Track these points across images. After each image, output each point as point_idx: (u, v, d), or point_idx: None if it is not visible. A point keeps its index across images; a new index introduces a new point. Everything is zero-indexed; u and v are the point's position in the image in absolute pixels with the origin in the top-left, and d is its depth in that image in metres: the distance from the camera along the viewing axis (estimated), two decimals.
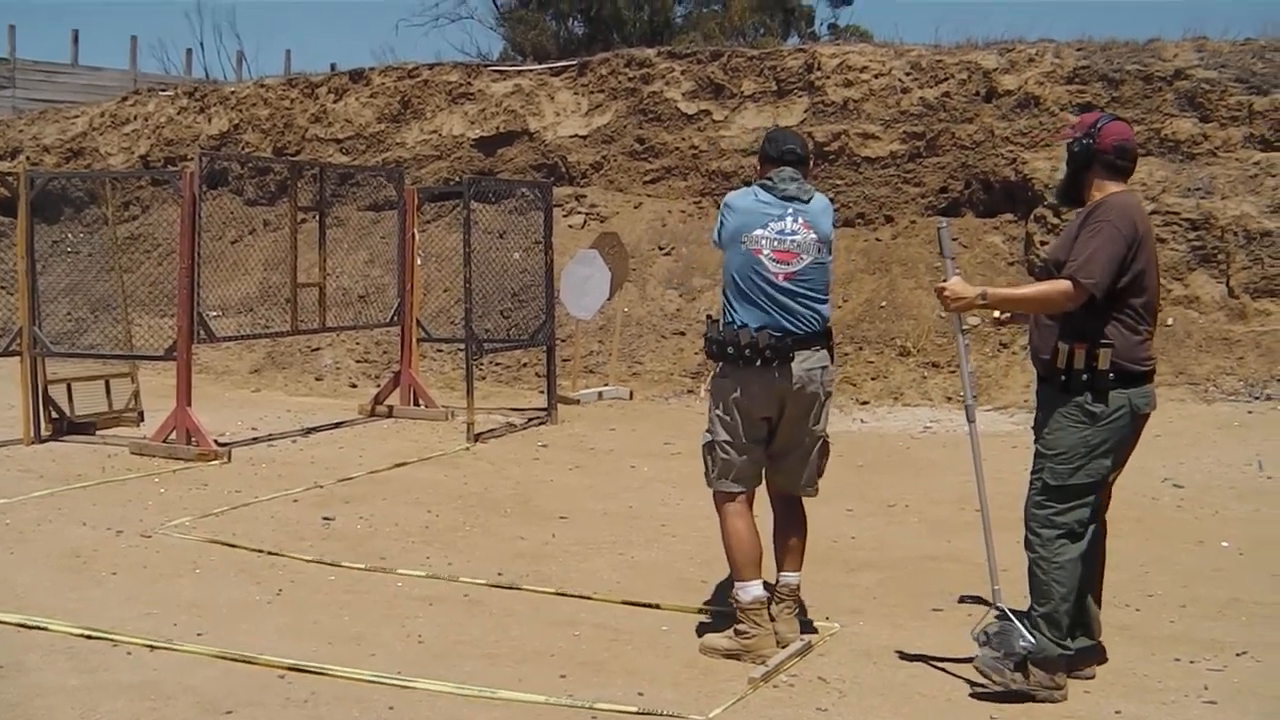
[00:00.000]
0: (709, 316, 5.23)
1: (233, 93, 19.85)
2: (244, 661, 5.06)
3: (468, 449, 10.21)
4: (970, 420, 5.04)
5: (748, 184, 5.42)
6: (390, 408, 11.75)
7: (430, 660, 5.09)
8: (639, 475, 9.10)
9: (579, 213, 16.11)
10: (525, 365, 13.75)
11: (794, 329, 4.97)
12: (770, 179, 5.13)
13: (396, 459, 9.62)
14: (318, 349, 14.45)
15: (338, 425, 11.27)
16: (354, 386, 13.53)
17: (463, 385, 11.43)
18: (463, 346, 11.65)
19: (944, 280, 4.83)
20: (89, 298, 15.25)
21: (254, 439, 10.44)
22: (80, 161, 20.17)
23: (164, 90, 21.52)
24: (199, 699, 4.66)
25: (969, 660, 4.82)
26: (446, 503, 8.16)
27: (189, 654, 5.17)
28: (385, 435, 10.84)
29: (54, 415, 10.33)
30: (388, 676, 4.88)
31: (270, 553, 6.82)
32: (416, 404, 11.86)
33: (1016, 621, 4.64)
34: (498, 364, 13.61)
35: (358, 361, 14.45)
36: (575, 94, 17.32)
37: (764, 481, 5.26)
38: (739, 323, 5.01)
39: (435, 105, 17.92)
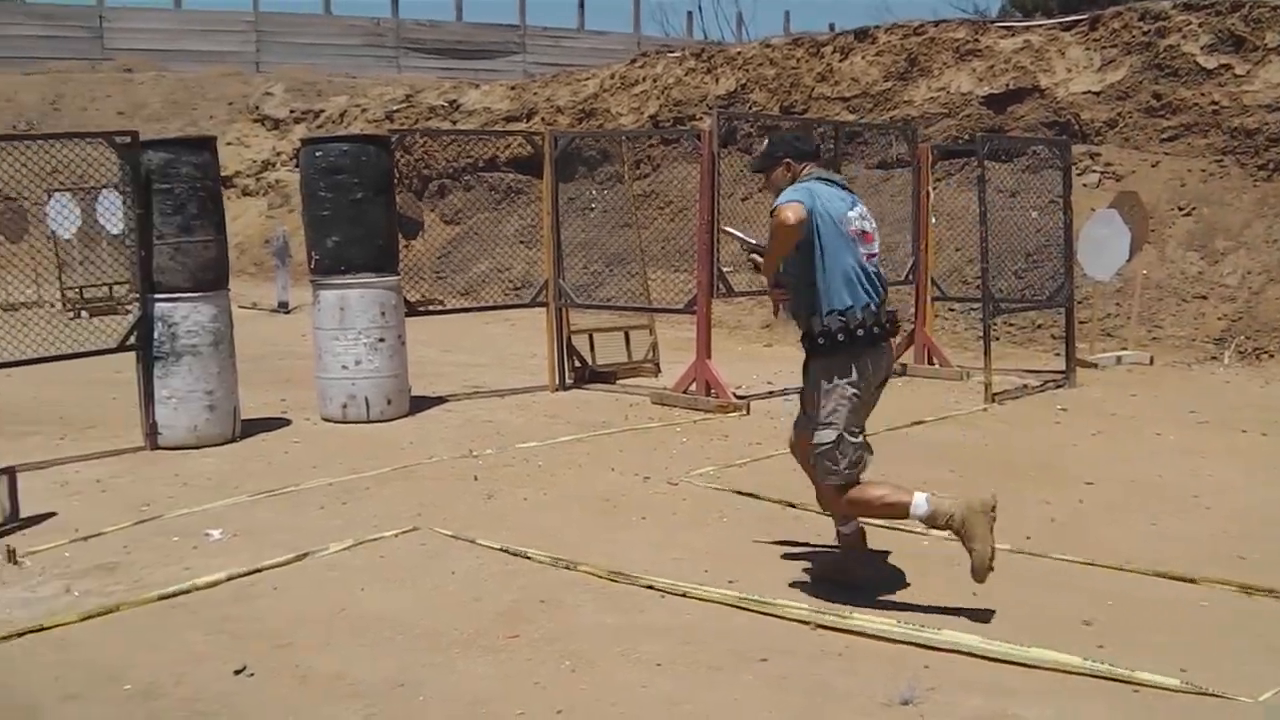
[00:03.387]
0: (794, 314, 6.34)
1: (738, 53, 22.89)
2: (774, 616, 6.09)
3: (985, 409, 11.87)
4: None
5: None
6: (904, 366, 13.86)
7: (956, 624, 5.92)
8: (1164, 443, 10.31)
9: (1093, 171, 16.96)
10: (1040, 327, 16.20)
11: (881, 304, 6.20)
12: (821, 173, 6.37)
13: (913, 417, 11.25)
14: None
15: None
16: None
17: (974, 345, 13.55)
18: (975, 306, 13.64)
19: None
20: (604, 253, 17.26)
21: (769, 393, 12.36)
22: (592, 122, 23.05)
23: (671, 52, 24.03)
24: (732, 645, 5.75)
25: None
26: (967, 463, 9.52)
27: (718, 602, 6.28)
28: (899, 393, 12.01)
29: (577, 364, 12.94)
30: (921, 634, 5.73)
31: (792, 505, 8.04)
32: (930, 363, 14.21)
33: None
34: (1010, 325, 15.34)
35: None
36: (1087, 49, 19.80)
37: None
38: (847, 306, 6.06)
39: (942, 62, 21.22)
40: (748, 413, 11.24)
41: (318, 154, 11.26)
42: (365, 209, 11.01)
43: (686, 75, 23.69)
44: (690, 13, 44.58)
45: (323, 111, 29.37)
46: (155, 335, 10.02)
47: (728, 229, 7.59)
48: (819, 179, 6.27)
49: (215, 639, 5.96)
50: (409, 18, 41.05)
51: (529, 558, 6.99)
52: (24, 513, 8.26)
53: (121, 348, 10.07)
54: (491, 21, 42.23)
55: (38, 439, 10.79)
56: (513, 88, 27.47)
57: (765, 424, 10.80)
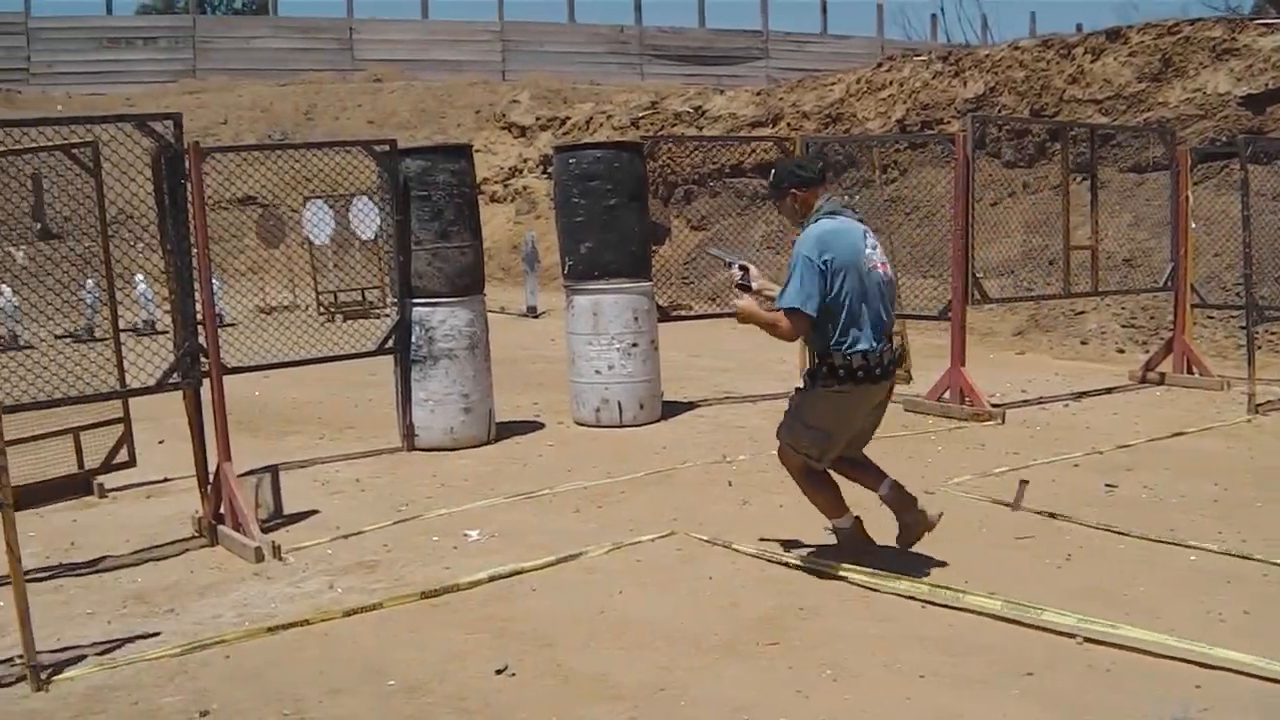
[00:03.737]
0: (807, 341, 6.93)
1: (986, 56, 22.59)
2: (1038, 628, 5.98)
3: (1248, 421, 11.52)
4: None
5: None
6: (1162, 375, 13.72)
7: (1235, 641, 5.74)
8: None
9: None
10: None
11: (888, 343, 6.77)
12: (831, 205, 6.75)
13: (1175, 428, 11.08)
14: (1081, 313, 15.99)
15: (1108, 391, 13.20)
16: (1121, 352, 15.55)
17: (1234, 354, 13.41)
18: (1235, 314, 13.05)
19: None
20: None
21: (1024, 401, 12.22)
22: (838, 127, 22.96)
23: (917, 56, 23.75)
24: (996, 658, 5.69)
25: None
26: (1234, 476, 9.27)
27: (981, 613, 6.20)
28: (1159, 403, 11.70)
29: None
30: (1194, 649, 5.58)
31: (1054, 515, 7.95)
32: (1190, 372, 13.78)
33: None
34: (1273, 333, 14.13)
35: (1123, 326, 15.66)
36: None
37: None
38: (858, 347, 6.55)
39: (1198, 62, 20.73)
40: (1002, 421, 11.06)
41: (571, 161, 11.45)
42: (618, 215, 11.16)
43: (934, 79, 23.46)
44: (934, 15, 44.20)
45: (569, 119, 29.80)
46: (413, 339, 10.30)
47: (712, 250, 8.27)
48: (828, 213, 6.66)
49: (477, 638, 6.09)
50: (652, 24, 41.48)
51: (786, 564, 7.02)
52: (287, 510, 8.58)
53: (380, 351, 10.34)
54: (734, 27, 42.46)
55: (298, 439, 11.21)
56: (758, 93, 27.52)
57: (1021, 433, 10.63)
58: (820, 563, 6.92)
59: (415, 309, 10.30)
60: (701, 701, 5.23)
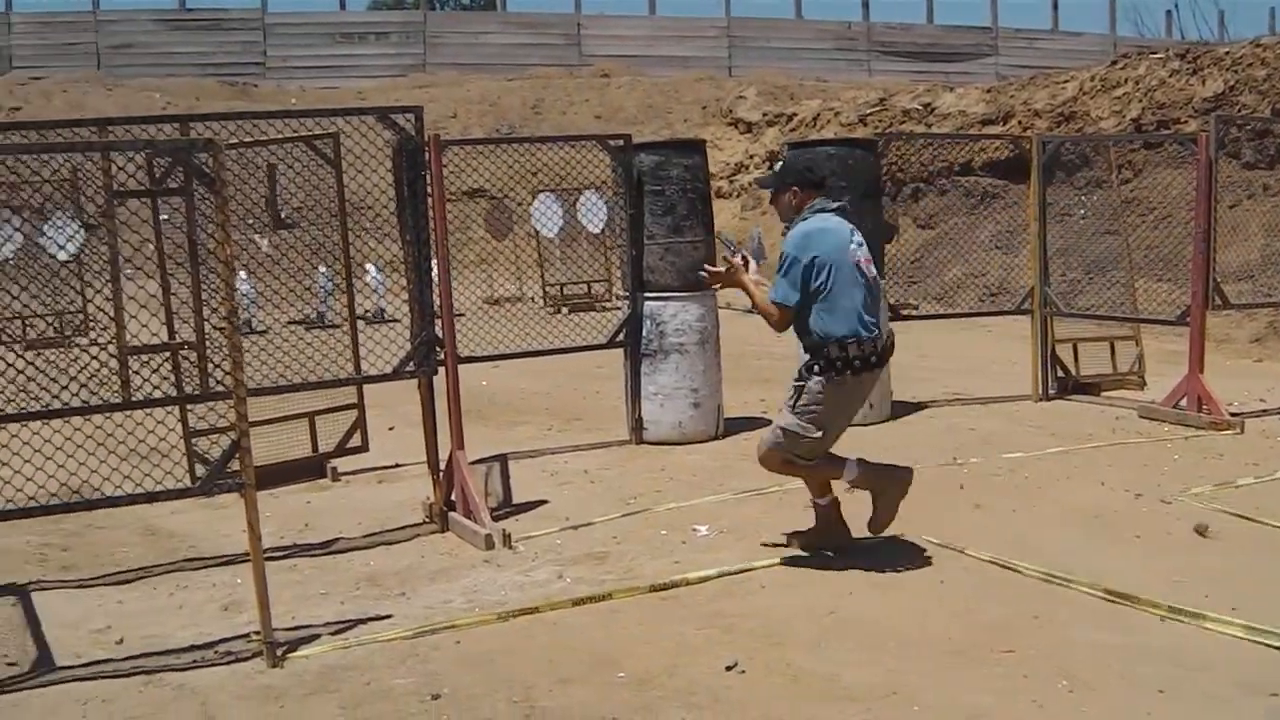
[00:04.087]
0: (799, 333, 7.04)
1: (1226, 53, 21.82)
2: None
3: None
4: None
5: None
6: None
7: None
8: None
9: None
10: None
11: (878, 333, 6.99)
12: (823, 205, 7.01)
13: None
14: None
15: None
16: None
17: None
18: None
19: None
20: (1082, 260, 16.75)
21: (1263, 410, 11.63)
22: (1071, 125, 22.46)
23: (1153, 53, 22.85)
24: (1238, 675, 5.48)
25: None
26: None
27: (1224, 631, 5.97)
28: None
29: (1059, 374, 12.50)
30: None
31: None
32: None
33: None
34: None
35: None
36: None
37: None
38: (847, 337, 6.79)
39: None
40: (1241, 431, 10.62)
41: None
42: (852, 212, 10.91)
43: (1170, 77, 22.70)
44: (1169, 11, 42.85)
45: (795, 115, 29.67)
46: (644, 333, 10.37)
47: (723, 236, 8.47)
48: (821, 211, 6.97)
49: (707, 633, 6.10)
50: (880, 20, 41.10)
51: (1019, 571, 6.86)
52: (516, 499, 8.73)
53: (611, 344, 10.45)
54: (963, 24, 41.83)
55: (526, 429, 11.37)
56: (988, 90, 27.07)
57: (1261, 443, 10.20)
58: (1054, 571, 6.75)
59: (646, 303, 10.38)
60: (935, 707, 5.17)
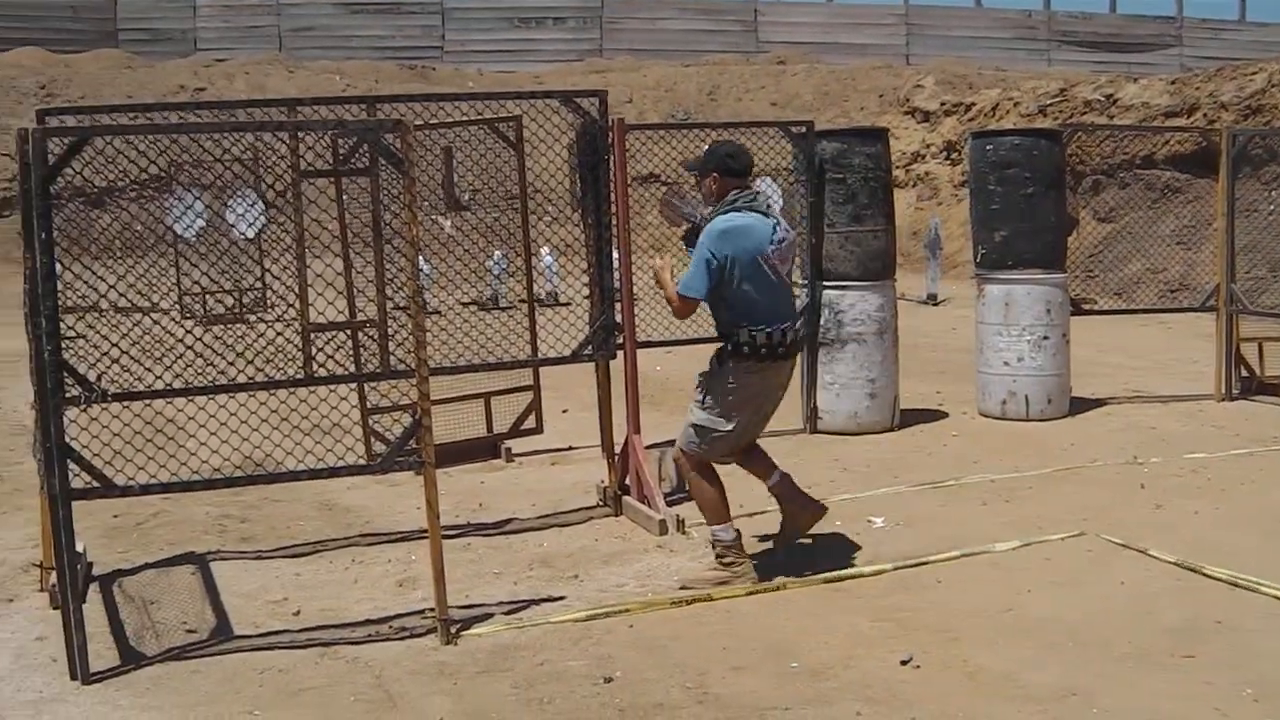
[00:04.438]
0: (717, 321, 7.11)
1: None
2: None
3: None
4: None
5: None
6: None
7: None
8: None
9: None
10: None
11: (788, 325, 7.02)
12: (743, 197, 6.97)
13: None
14: None
15: None
16: None
17: None
18: None
19: None
20: (1268, 257, 16.20)
21: None
22: (1259, 119, 21.88)
23: None
24: None
25: None
26: None
27: None
28: None
29: (1244, 374, 12.15)
30: None
31: None
32: None
33: None
34: None
35: None
36: None
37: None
38: (759, 326, 6.81)
39: None
40: None
41: (988, 147, 11.23)
42: (1035, 204, 10.86)
43: None
44: None
45: (974, 105, 29.25)
46: (822, 321, 10.32)
47: (674, 200, 8.67)
48: (741, 206, 6.91)
49: (881, 626, 6.06)
50: (1061, 10, 40.36)
51: (1204, 574, 6.67)
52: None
53: None
54: (1146, 14, 40.89)
55: None
56: (1172, 82, 26.43)
57: None
58: (1242, 575, 6.54)
59: (825, 292, 10.32)
60: (1114, 710, 5.07)
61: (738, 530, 7.03)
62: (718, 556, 6.98)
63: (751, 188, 7.13)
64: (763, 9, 39.07)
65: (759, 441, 7.33)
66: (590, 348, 8.17)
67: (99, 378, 6.60)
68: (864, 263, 10.27)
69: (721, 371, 6.98)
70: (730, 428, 6.94)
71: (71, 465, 5.75)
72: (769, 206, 7.18)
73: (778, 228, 7.00)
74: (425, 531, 6.24)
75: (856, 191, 10.27)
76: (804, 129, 10.35)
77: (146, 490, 6.06)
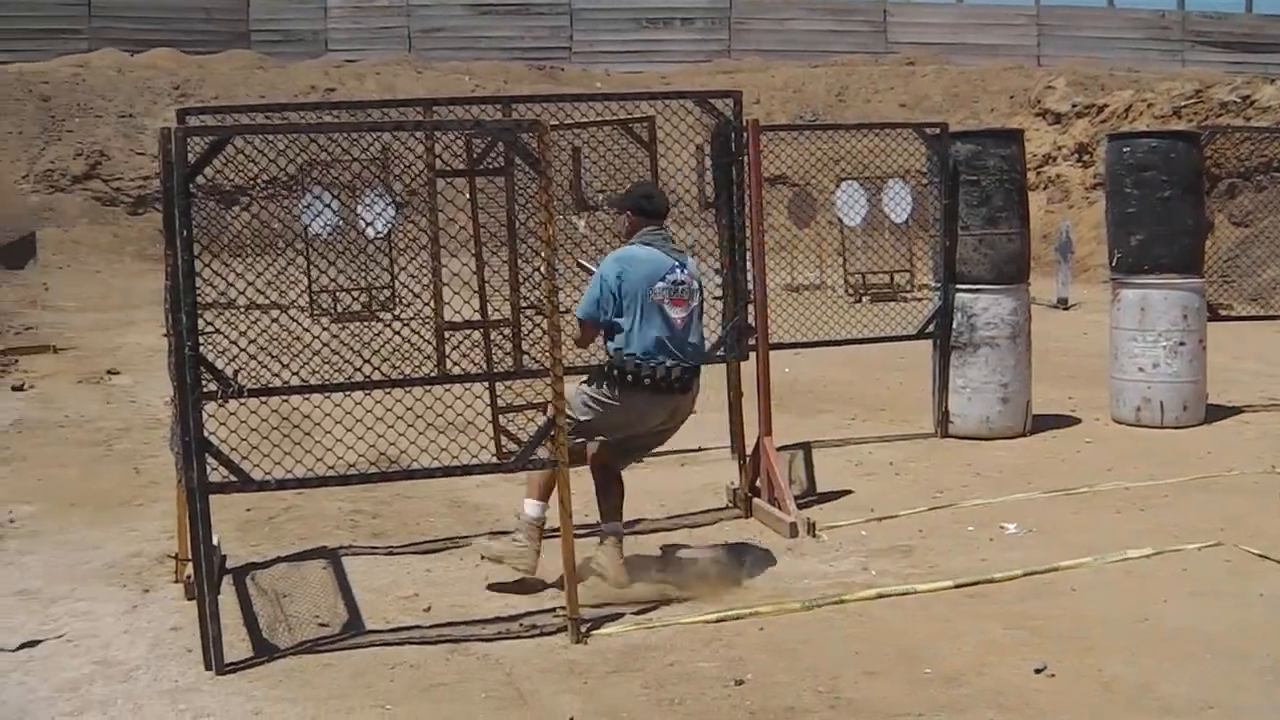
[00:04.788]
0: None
1: None
2: None
3: None
4: None
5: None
6: None
7: None
8: None
9: None
10: None
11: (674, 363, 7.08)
12: (650, 237, 7.13)
13: None
14: None
15: None
16: None
17: None
18: None
19: None
20: None
21: None
22: None
23: None
24: None
25: None
26: None
27: None
28: None
29: None
30: None
31: None
32: None
33: None
34: None
35: None
36: None
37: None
38: (634, 354, 6.93)
39: None
40: None
41: (1125, 150, 11.07)
42: (1172, 207, 10.69)
43: None
44: None
45: (1106, 106, 28.86)
46: (954, 325, 10.25)
47: (581, 262, 8.41)
48: (644, 244, 7.08)
49: (1015, 634, 6.00)
50: (1195, 9, 39.65)
51: None
52: (820, 488, 8.70)
53: (920, 335, 10.38)
54: None
55: (829, 417, 11.32)
56: None
57: None
58: None
59: (958, 295, 10.24)
60: None
61: (536, 518, 6.95)
62: (513, 530, 7.09)
63: (664, 230, 7.22)
64: (891, 9, 38.79)
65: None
66: (723, 349, 8.19)
67: (235, 373, 6.74)
68: (998, 266, 10.17)
69: (604, 380, 7.06)
70: (585, 420, 7.00)
71: (209, 459, 5.87)
72: (677, 252, 7.22)
73: (679, 269, 7.08)
74: (555, 530, 6.30)
75: (991, 194, 10.17)
76: (939, 130, 10.29)
77: (283, 485, 6.18)
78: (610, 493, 7.24)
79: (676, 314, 7.06)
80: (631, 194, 7.42)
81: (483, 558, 7.09)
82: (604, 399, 7.01)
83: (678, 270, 7.10)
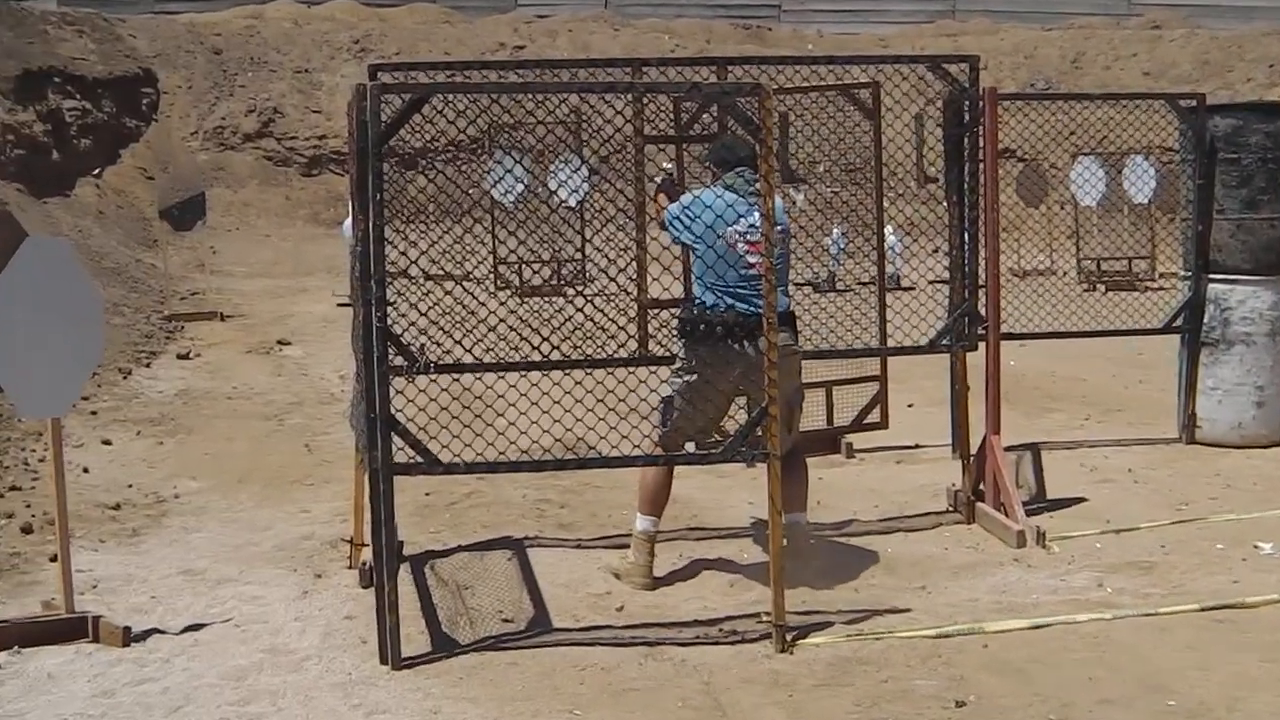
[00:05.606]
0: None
1: None
2: None
3: None
4: None
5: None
6: None
7: None
8: None
9: None
10: None
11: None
12: (731, 181, 7.13)
13: None
14: None
15: None
16: None
17: None
18: None
19: None
20: None
21: None
22: None
23: None
24: None
25: None
26: None
27: None
28: None
29: None
30: None
31: None
32: None
33: None
34: None
35: None
36: None
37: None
38: (707, 304, 7.00)
39: None
40: None
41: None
42: None
43: None
44: None
45: None
46: (1205, 319, 9.94)
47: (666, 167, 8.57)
48: (724, 186, 7.11)
49: (1271, 667, 5.82)
50: None
51: None
52: (1050, 494, 8.56)
53: (1166, 329, 10.12)
54: None
55: (1059, 416, 11.14)
56: None
57: None
58: None
59: (1211, 285, 9.91)
60: None
61: (650, 537, 7.05)
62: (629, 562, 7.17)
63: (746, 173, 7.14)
64: None
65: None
66: (949, 337, 8.08)
67: (422, 348, 6.82)
68: (1257, 254, 9.81)
69: (677, 348, 7.21)
70: (689, 406, 6.96)
71: (394, 438, 5.96)
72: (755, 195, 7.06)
73: (753, 210, 6.89)
74: (752, 528, 6.27)
75: (1252, 174, 9.81)
76: (1194, 102, 9.98)
77: (472, 469, 6.25)
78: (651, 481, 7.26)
79: (744, 257, 7.04)
80: (714, 149, 7.60)
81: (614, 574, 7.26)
82: (693, 364, 6.95)
83: (754, 212, 6.97)
